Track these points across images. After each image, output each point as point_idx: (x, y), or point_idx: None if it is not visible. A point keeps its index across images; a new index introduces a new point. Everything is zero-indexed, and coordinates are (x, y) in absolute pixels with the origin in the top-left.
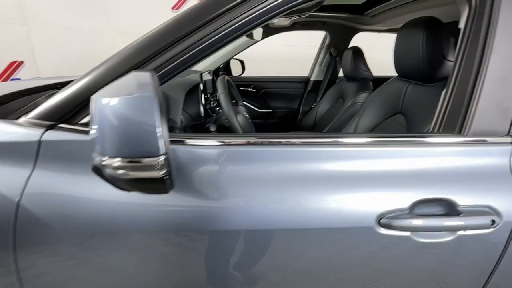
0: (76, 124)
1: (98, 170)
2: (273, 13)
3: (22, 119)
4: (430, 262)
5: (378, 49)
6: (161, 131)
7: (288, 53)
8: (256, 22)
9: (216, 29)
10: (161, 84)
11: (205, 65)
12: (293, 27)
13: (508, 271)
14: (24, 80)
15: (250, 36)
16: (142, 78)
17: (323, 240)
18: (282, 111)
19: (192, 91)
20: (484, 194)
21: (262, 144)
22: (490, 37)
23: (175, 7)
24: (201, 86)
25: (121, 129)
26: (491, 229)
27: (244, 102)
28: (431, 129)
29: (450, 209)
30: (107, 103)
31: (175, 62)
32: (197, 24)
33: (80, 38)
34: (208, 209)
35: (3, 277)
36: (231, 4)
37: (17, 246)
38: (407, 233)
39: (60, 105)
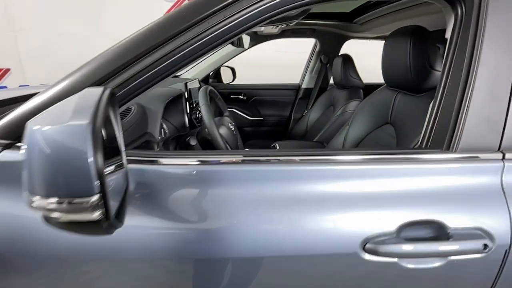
0: None
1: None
2: (252, 23)
3: None
4: None
5: (371, 56)
6: (97, 164)
7: (280, 60)
8: (236, 31)
9: (193, 38)
10: (135, 97)
11: (193, 73)
12: (283, 34)
13: None
14: (11, 89)
15: (235, 44)
16: (88, 98)
17: (304, 268)
18: (274, 118)
19: (176, 101)
20: (475, 215)
21: (241, 162)
22: (477, 48)
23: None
24: (186, 95)
25: (50, 164)
26: (484, 254)
27: (235, 110)
28: (419, 144)
29: (439, 232)
30: (38, 130)
31: (148, 74)
32: (172, 32)
33: (69, 44)
34: (176, 236)
35: None
36: (208, 12)
37: None
38: (394, 259)
39: (19, 121)
